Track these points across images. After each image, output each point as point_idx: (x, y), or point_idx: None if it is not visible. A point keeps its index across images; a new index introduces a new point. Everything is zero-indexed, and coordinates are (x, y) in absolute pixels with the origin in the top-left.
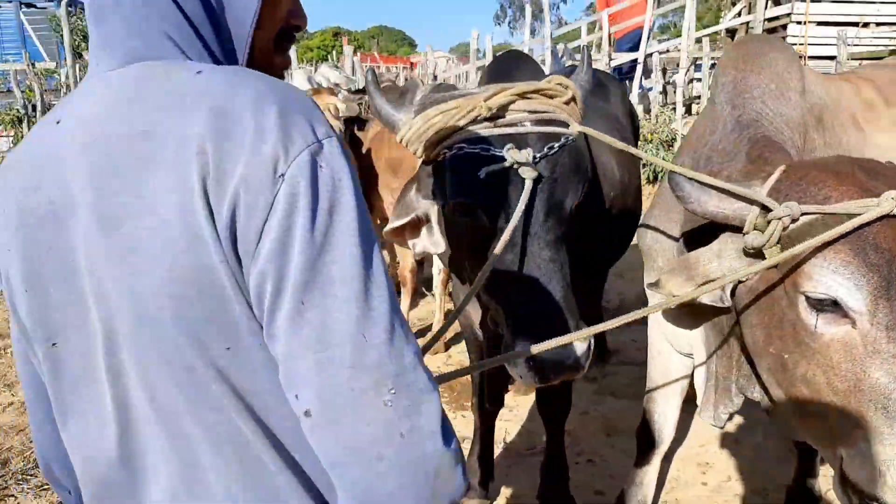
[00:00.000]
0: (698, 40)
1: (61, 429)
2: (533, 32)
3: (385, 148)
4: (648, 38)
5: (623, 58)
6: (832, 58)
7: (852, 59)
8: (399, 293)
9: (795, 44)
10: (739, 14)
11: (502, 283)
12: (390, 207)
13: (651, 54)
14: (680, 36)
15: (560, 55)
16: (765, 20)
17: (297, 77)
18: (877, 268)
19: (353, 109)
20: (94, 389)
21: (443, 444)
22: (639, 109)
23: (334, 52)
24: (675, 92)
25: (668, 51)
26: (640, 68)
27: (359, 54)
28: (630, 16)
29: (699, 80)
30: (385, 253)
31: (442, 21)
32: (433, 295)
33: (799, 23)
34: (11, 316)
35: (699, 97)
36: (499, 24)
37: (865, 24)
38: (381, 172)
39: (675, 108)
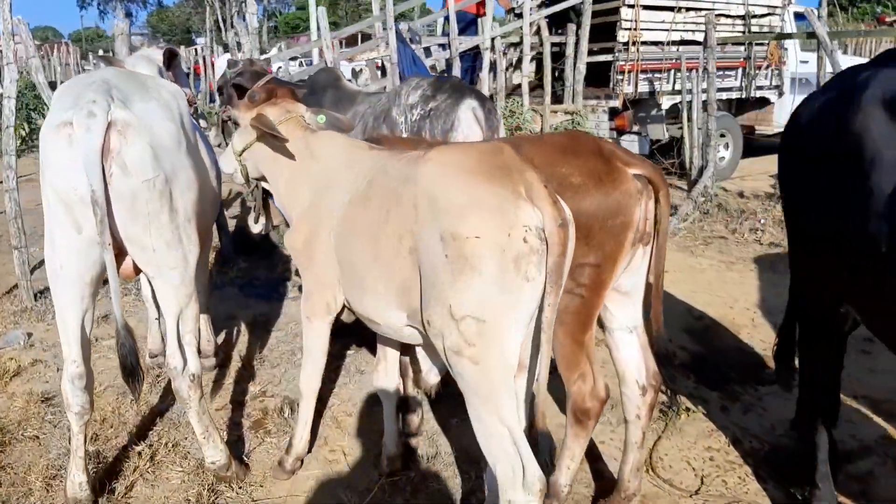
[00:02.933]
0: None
1: None
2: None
3: None
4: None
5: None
6: (659, 43)
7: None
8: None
9: (629, 28)
10: None
11: None
12: None
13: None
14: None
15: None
16: (594, 1)
17: None
18: None
19: None
20: None
21: None
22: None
23: None
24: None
25: (507, 35)
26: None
27: None
28: None
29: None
30: None
31: None
32: None
33: (631, 6)
34: None
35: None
36: (84, 7)
37: (679, 10)
38: None
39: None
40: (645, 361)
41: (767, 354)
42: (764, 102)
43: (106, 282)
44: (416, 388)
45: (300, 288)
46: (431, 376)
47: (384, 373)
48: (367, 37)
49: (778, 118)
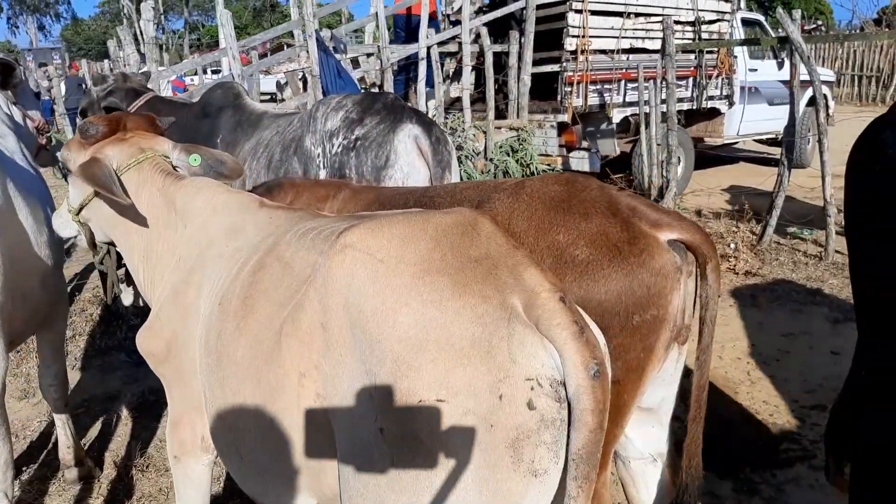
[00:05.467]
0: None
1: None
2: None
3: None
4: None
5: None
6: (608, 51)
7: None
8: None
9: (577, 35)
10: None
11: None
12: None
13: (430, 47)
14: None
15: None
16: (537, 7)
17: None
18: None
19: None
20: None
21: None
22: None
23: None
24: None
25: (446, 41)
26: (422, 66)
27: None
28: None
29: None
30: None
31: None
32: None
33: (578, 11)
34: None
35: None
36: None
37: (629, 15)
38: None
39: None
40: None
41: (775, 422)
42: (713, 113)
43: None
44: None
45: None
46: None
47: None
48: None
49: (728, 129)
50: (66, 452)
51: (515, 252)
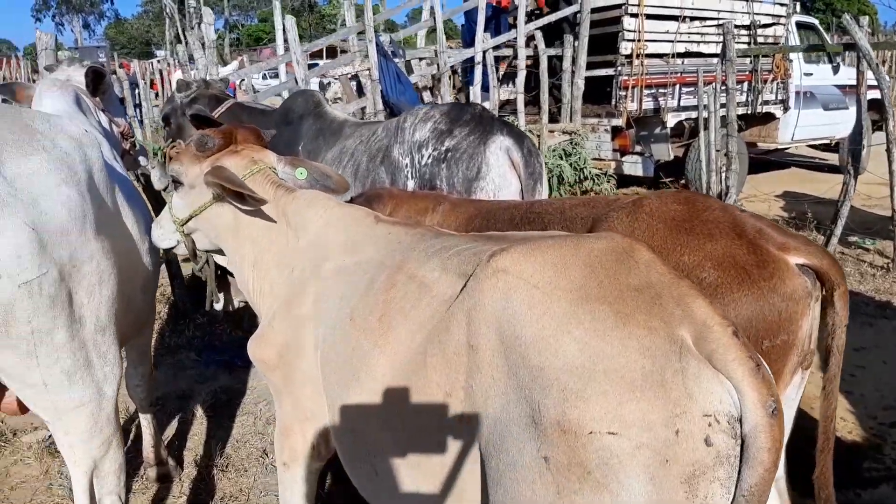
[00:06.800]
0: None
1: None
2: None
3: None
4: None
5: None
6: (663, 55)
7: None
8: None
9: (632, 39)
10: (570, 3)
11: None
12: None
13: (486, 52)
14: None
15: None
16: (592, 10)
17: None
18: None
19: None
20: None
21: None
22: None
23: None
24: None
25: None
26: (478, 70)
27: None
28: None
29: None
30: None
31: None
32: None
33: (634, 15)
34: None
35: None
36: (39, 19)
37: (684, 19)
38: None
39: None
40: None
41: (855, 440)
42: (768, 118)
43: None
44: None
45: None
46: None
47: None
48: (332, 51)
49: (782, 134)
50: (149, 451)
51: (680, 282)
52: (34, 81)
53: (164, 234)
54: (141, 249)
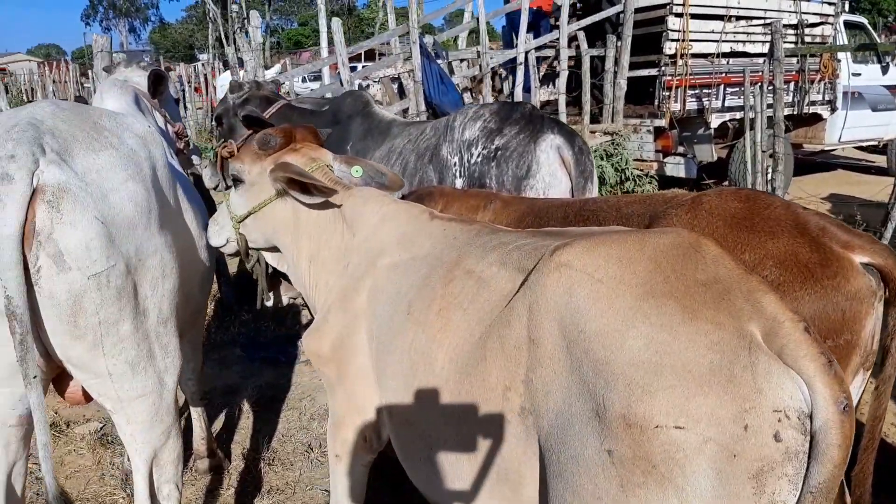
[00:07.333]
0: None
1: None
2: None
3: None
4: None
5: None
6: (708, 55)
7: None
8: None
9: (676, 39)
10: (612, 3)
11: None
12: None
13: (527, 53)
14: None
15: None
16: (636, 10)
17: None
18: None
19: None
20: None
21: None
22: None
23: None
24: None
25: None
26: (520, 70)
27: None
28: None
29: None
30: None
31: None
32: None
33: (679, 15)
34: None
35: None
36: (88, 23)
37: (730, 19)
38: None
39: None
40: None
41: None
42: (814, 118)
43: None
44: None
45: None
46: None
47: None
48: (369, 54)
49: (829, 135)
50: (199, 443)
51: (749, 277)
52: (83, 85)
53: (219, 230)
54: (199, 245)
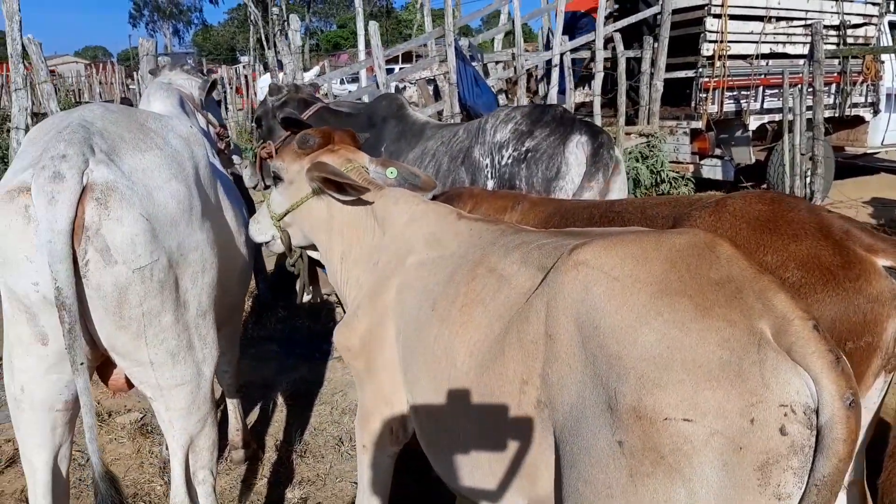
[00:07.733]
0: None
1: None
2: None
3: None
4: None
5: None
6: (747, 56)
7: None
8: None
9: (714, 40)
10: (649, 4)
11: None
12: None
13: (563, 55)
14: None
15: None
16: (673, 11)
17: None
18: None
19: None
20: None
21: None
22: None
23: None
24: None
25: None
26: (556, 72)
27: None
28: None
29: None
30: None
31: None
32: None
33: (717, 16)
34: None
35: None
36: (135, 25)
37: (770, 20)
38: None
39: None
40: None
41: None
42: (857, 121)
43: None
44: None
45: None
46: None
47: None
48: (406, 56)
49: (871, 138)
50: (234, 434)
51: (761, 276)
52: (128, 86)
53: (262, 228)
54: (238, 242)
